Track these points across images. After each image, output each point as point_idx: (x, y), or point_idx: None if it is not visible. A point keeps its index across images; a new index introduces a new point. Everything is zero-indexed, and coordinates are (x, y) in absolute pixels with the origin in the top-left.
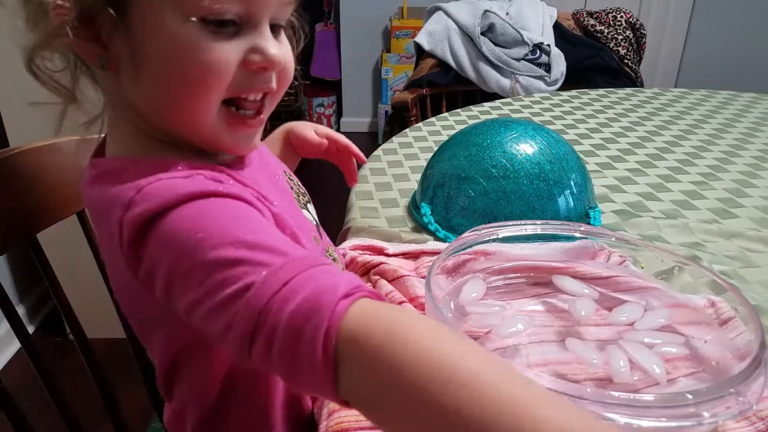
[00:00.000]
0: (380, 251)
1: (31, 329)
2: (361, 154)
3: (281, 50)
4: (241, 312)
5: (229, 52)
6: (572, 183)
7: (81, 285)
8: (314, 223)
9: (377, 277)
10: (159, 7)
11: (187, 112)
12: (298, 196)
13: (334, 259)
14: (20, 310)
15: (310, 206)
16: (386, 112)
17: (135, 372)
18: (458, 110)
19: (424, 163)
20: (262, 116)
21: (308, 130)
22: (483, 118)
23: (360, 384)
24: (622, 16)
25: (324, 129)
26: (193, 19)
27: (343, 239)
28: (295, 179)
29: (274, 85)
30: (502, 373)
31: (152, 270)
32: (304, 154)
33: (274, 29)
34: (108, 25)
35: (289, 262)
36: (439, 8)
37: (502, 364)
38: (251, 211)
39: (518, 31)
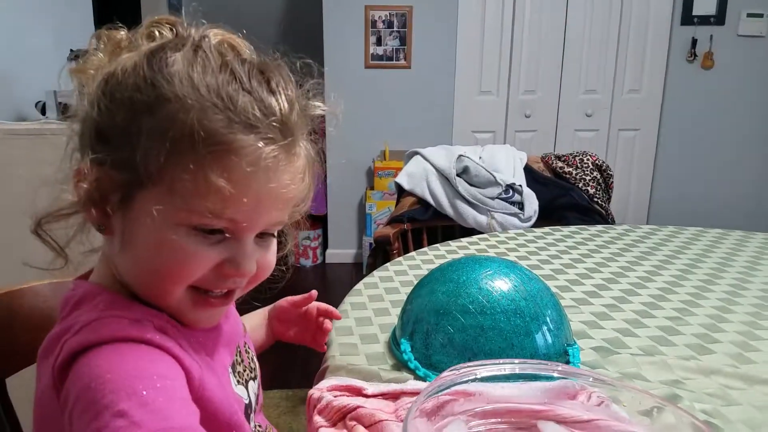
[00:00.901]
0: (358, 392)
1: None
2: (337, 313)
3: (255, 263)
4: None
5: (207, 255)
6: (548, 319)
7: None
8: (246, 402)
9: (354, 422)
10: (158, 207)
11: (157, 291)
12: (245, 370)
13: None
14: None
15: (253, 383)
16: (370, 244)
17: None
18: (437, 245)
19: (404, 298)
20: (230, 300)
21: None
22: (462, 252)
23: None
24: (588, 159)
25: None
26: (183, 225)
27: (322, 378)
28: (251, 353)
29: (242, 285)
30: None
31: (66, 397)
32: (287, 320)
33: (265, 236)
34: (113, 204)
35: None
36: (417, 153)
37: None
38: (169, 366)
39: (491, 173)
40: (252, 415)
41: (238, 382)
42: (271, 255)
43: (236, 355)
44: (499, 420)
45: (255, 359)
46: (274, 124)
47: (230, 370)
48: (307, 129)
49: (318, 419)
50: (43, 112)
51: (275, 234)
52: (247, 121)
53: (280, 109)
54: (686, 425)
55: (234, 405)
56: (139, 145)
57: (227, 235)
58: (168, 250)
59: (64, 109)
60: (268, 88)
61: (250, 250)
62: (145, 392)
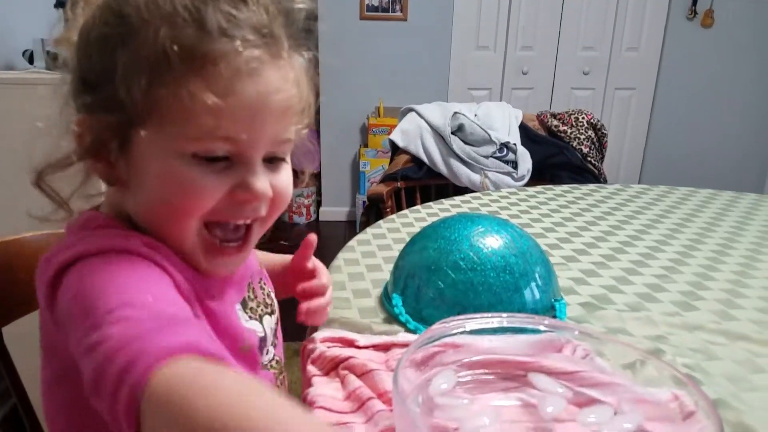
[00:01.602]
0: (351, 343)
1: None
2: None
3: (268, 185)
4: (96, 360)
5: (215, 184)
6: (537, 276)
7: None
8: (261, 335)
9: (346, 372)
10: (155, 143)
11: (169, 230)
12: (258, 306)
13: (280, 372)
14: None
15: (269, 318)
16: (363, 202)
17: None
18: (430, 203)
19: (397, 254)
20: (243, 252)
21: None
22: (454, 211)
23: None
24: (583, 117)
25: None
26: (187, 155)
27: (315, 329)
28: (267, 289)
29: (263, 213)
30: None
31: (60, 312)
32: (292, 269)
33: (274, 161)
34: (114, 151)
35: (147, 320)
36: (411, 109)
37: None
38: (159, 275)
39: (486, 131)
40: (269, 348)
41: (251, 317)
42: (284, 178)
43: (248, 292)
44: (486, 371)
45: (272, 295)
46: (250, 25)
47: (240, 306)
48: (289, 28)
49: (311, 368)
50: (30, 61)
51: (286, 159)
52: (220, 28)
53: (254, 11)
54: (667, 378)
55: (240, 335)
56: (119, 80)
57: (233, 161)
58: (175, 185)
59: (53, 58)
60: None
61: (259, 170)
62: (134, 293)
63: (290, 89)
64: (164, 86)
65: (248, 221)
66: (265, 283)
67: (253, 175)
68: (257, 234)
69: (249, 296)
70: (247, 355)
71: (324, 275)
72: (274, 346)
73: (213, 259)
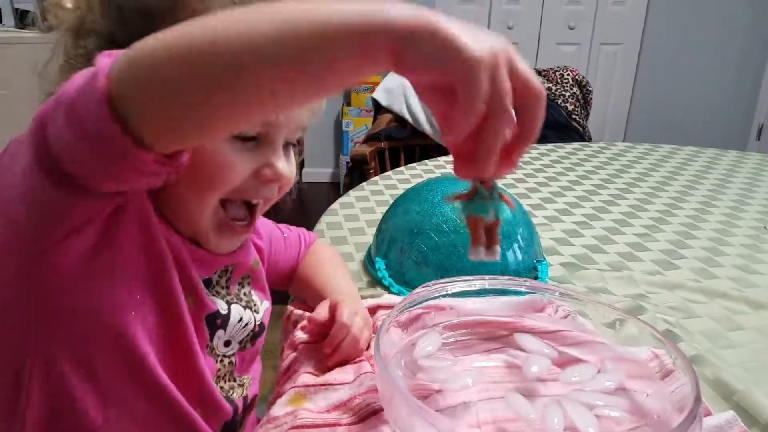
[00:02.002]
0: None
1: None
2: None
3: (289, 167)
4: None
5: (245, 162)
6: (519, 237)
7: None
8: (224, 312)
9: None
10: None
11: (189, 203)
12: (227, 294)
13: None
14: None
15: (239, 308)
16: (347, 162)
17: None
18: (414, 164)
19: (380, 217)
20: (249, 231)
21: (325, 305)
22: (439, 172)
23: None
24: (568, 74)
25: (342, 314)
26: None
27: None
28: (249, 288)
29: (275, 195)
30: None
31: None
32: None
33: (285, 147)
34: None
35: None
36: None
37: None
38: None
39: None
40: (229, 333)
41: (214, 294)
42: (293, 164)
43: (218, 277)
44: (469, 331)
45: (255, 298)
46: None
47: (201, 282)
48: None
49: (299, 334)
50: None
51: (295, 144)
52: None
53: None
54: (647, 336)
55: (205, 302)
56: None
57: (259, 142)
58: (209, 160)
59: (21, 17)
60: None
61: (281, 153)
62: None
63: None
64: None
65: (261, 201)
66: (249, 283)
67: (277, 156)
68: (260, 214)
69: (216, 280)
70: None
71: (339, 321)
72: (243, 348)
73: (222, 236)
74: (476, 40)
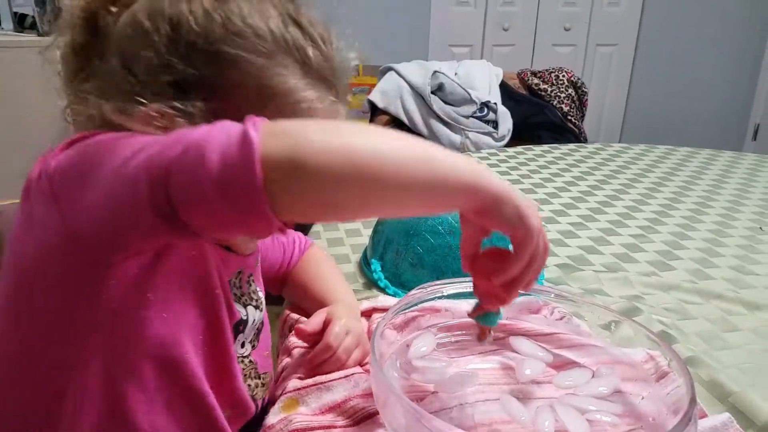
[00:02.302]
0: None
1: None
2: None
3: None
4: (158, 146)
5: None
6: None
7: None
8: (243, 317)
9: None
10: None
11: None
12: (242, 295)
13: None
14: None
15: (252, 309)
16: None
17: None
18: None
19: (376, 219)
20: None
21: (321, 315)
22: None
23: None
24: (564, 75)
25: (330, 333)
26: None
27: None
28: (255, 285)
29: None
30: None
31: (64, 174)
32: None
33: None
34: None
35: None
36: (391, 68)
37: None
38: None
39: (466, 90)
40: (247, 342)
41: (234, 297)
42: None
43: (235, 278)
44: (464, 332)
45: (260, 294)
46: (340, 80)
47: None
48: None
49: (294, 340)
50: None
51: None
52: (323, 76)
53: (342, 66)
54: (642, 338)
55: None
56: (232, 100)
57: None
58: None
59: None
60: (329, 41)
61: None
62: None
63: None
64: (270, 119)
65: None
66: (253, 280)
67: None
68: None
69: (233, 281)
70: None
71: (325, 341)
72: (253, 347)
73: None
74: (533, 210)
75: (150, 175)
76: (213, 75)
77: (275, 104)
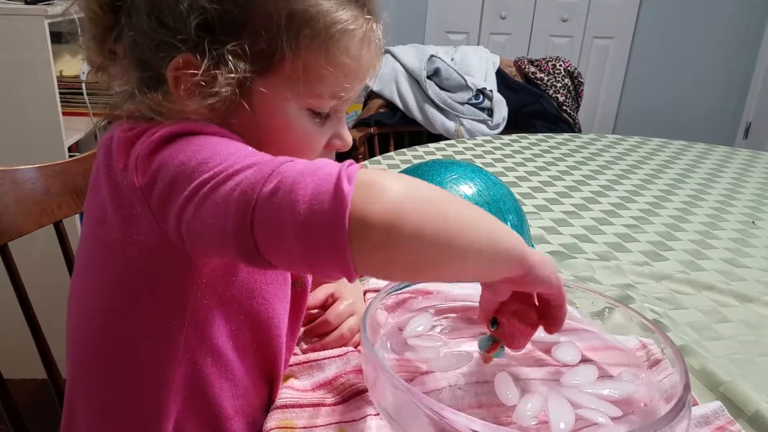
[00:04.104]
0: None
1: None
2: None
3: (348, 134)
4: (251, 174)
5: (322, 135)
6: (509, 224)
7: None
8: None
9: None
10: (282, 96)
11: None
12: None
13: None
14: None
15: None
16: None
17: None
18: (404, 150)
19: None
20: None
21: (324, 291)
22: (428, 158)
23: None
24: (561, 65)
25: (333, 310)
26: (303, 109)
27: None
28: None
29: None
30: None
31: (155, 176)
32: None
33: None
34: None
35: (279, 157)
36: (387, 51)
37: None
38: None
39: (462, 76)
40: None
41: None
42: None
43: None
44: (456, 315)
45: None
46: None
47: None
48: None
49: None
50: None
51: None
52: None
53: None
54: (635, 324)
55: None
56: (264, 33)
57: (329, 115)
58: (296, 137)
59: None
60: None
61: (345, 123)
62: (241, 149)
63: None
64: (307, 49)
65: None
66: None
67: (344, 127)
68: None
69: None
70: (299, 292)
71: (327, 315)
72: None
73: None
74: (552, 269)
75: (238, 208)
76: (240, 7)
77: (309, 30)
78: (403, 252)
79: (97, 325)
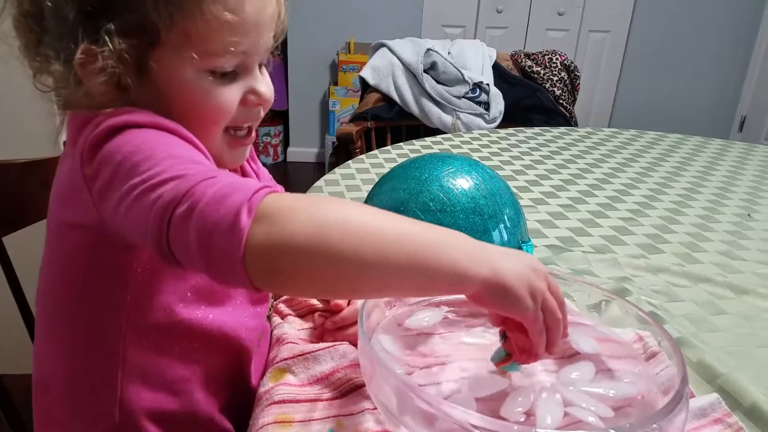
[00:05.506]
0: None
1: None
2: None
3: (268, 87)
4: (170, 188)
5: (232, 94)
6: (506, 218)
7: None
8: None
9: (322, 319)
10: (172, 65)
11: (204, 141)
12: None
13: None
14: None
15: None
16: (333, 143)
17: None
18: (401, 144)
19: (365, 195)
20: (252, 135)
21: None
22: (425, 152)
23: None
24: (557, 59)
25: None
26: (204, 72)
27: None
28: None
29: (262, 115)
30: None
31: (97, 171)
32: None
33: (260, 67)
34: (131, 76)
35: (211, 168)
36: (383, 45)
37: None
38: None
39: (459, 70)
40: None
41: None
42: (270, 83)
43: None
44: (451, 308)
45: None
46: None
47: None
48: None
49: (283, 307)
50: None
51: (267, 61)
52: None
53: None
54: (632, 317)
55: None
56: (144, 6)
57: (237, 73)
58: (202, 102)
59: None
60: None
61: (259, 77)
62: (179, 152)
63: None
64: (188, 10)
65: (254, 123)
66: None
67: (257, 81)
68: (255, 127)
69: None
70: None
71: (349, 311)
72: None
73: (234, 150)
74: (529, 289)
75: (155, 222)
76: None
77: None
78: (301, 278)
79: (54, 295)
